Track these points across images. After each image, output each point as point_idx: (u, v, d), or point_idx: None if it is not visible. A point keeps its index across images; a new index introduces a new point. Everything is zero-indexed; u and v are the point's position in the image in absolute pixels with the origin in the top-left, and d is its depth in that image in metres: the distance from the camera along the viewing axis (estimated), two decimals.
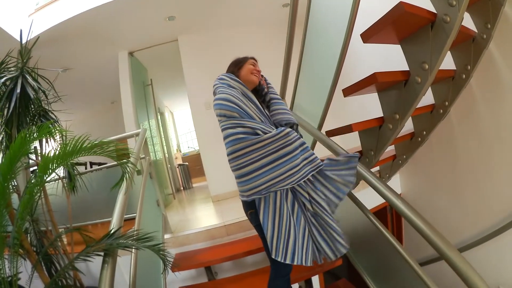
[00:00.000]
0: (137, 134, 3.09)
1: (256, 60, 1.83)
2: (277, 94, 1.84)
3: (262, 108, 1.67)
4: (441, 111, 2.35)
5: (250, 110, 1.55)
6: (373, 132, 2.04)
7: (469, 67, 2.16)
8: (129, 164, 1.98)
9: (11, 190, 1.57)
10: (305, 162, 1.54)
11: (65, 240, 2.49)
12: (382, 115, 1.96)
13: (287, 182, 1.49)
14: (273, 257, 1.49)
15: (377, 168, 3.04)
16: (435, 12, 1.57)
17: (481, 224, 2.60)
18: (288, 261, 1.48)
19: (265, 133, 1.49)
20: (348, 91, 1.99)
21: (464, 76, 2.19)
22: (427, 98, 2.28)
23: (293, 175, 1.49)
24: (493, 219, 2.49)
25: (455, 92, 2.28)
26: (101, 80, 5.96)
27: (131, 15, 4.26)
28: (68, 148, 1.61)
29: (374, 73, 1.69)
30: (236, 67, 1.78)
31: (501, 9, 1.99)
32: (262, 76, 1.84)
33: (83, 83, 5.97)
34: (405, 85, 1.76)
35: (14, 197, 1.93)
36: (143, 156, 3.07)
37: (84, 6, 3.92)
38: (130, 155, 2.49)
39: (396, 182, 3.48)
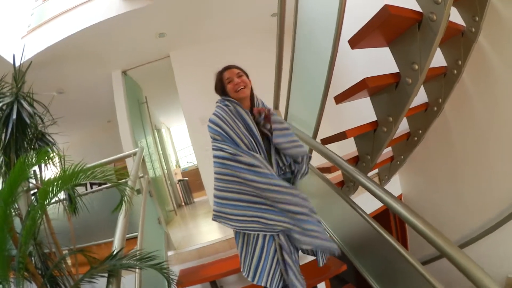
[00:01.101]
0: (134, 154, 3.10)
1: (231, 67, 1.71)
2: (279, 120, 1.71)
3: (253, 129, 1.60)
4: (435, 108, 2.37)
5: (234, 133, 1.54)
6: (368, 137, 2.05)
7: (460, 62, 2.17)
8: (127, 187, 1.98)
9: (13, 214, 1.58)
10: (285, 224, 1.49)
11: (69, 261, 2.47)
12: (376, 119, 1.98)
13: (255, 228, 1.50)
14: (242, 272, 1.55)
15: (376, 170, 3.05)
16: (421, 11, 1.58)
17: (484, 216, 2.59)
18: (252, 281, 1.50)
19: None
20: (340, 98, 2.00)
21: (455, 71, 2.21)
22: (421, 97, 2.29)
23: (266, 227, 1.50)
24: (495, 210, 2.49)
25: (448, 89, 2.29)
26: (96, 100, 5.99)
27: (121, 34, 4.30)
28: (67, 173, 1.62)
29: (364, 78, 1.70)
30: (221, 91, 1.72)
31: (488, 1, 2.00)
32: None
33: (78, 103, 5.99)
34: (396, 87, 1.78)
35: (17, 220, 1.95)
36: (142, 175, 3.06)
37: (74, 27, 3.97)
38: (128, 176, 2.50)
39: (396, 183, 3.47)
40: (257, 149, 1.57)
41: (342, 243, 2.07)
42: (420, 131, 2.50)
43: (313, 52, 2.10)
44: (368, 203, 1.91)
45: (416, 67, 1.64)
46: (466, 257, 1.12)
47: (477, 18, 2.05)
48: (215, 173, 1.53)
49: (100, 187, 3.61)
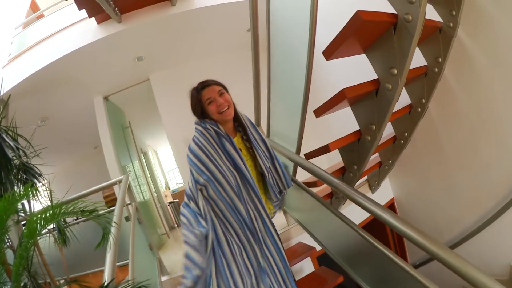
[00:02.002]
0: (119, 181, 3.00)
1: (210, 84, 1.52)
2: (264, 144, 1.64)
3: (235, 159, 1.47)
4: (419, 109, 2.33)
5: (214, 165, 1.43)
6: (352, 147, 1.99)
7: (440, 60, 2.12)
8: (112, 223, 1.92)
9: (5, 246, 1.62)
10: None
11: None
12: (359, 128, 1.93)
13: None
14: None
15: (365, 177, 3.00)
16: (396, 13, 1.53)
17: (480, 208, 2.56)
18: None
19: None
20: (320, 112, 1.92)
21: (436, 69, 2.16)
22: (403, 99, 2.27)
23: None
24: (491, 201, 2.45)
25: (430, 88, 2.25)
26: (81, 127, 5.82)
27: (100, 60, 4.24)
28: (55, 211, 1.58)
29: (342, 89, 1.64)
30: (200, 114, 1.54)
31: None
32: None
33: (63, 131, 5.86)
34: (377, 94, 1.72)
35: (9, 253, 1.94)
36: (129, 202, 2.98)
37: (54, 55, 3.90)
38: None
39: (387, 187, 3.43)
40: (239, 181, 1.45)
41: (336, 255, 1.99)
42: (406, 134, 2.46)
43: (289, 66, 2.06)
44: (360, 211, 1.85)
45: (395, 71, 1.59)
46: (457, 258, 1.07)
47: (454, 12, 2.00)
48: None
49: (89, 216, 3.49)
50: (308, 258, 2.61)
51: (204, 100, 1.50)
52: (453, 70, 2.30)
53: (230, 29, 4.70)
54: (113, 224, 1.91)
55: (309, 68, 1.74)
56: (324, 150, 1.93)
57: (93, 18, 3.84)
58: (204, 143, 1.46)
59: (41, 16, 4.93)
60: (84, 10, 3.59)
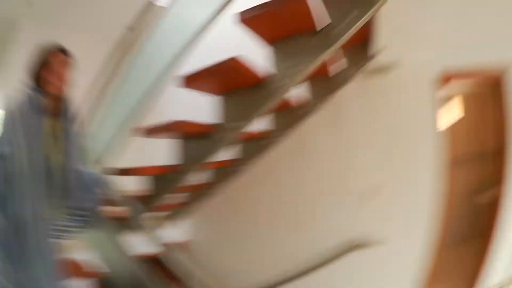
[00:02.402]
0: None
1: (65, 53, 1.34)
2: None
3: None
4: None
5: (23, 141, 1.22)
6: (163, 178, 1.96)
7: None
8: None
9: None
10: None
11: None
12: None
13: None
14: None
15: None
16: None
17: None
18: None
19: None
20: (152, 132, 1.88)
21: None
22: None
23: None
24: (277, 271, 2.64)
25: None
26: None
27: None
28: None
29: (178, 121, 1.68)
30: (35, 76, 1.32)
31: None
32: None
33: None
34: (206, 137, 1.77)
35: None
36: None
37: None
38: None
39: (186, 227, 3.41)
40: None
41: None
42: (218, 184, 2.60)
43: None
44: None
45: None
46: None
47: None
48: None
49: None
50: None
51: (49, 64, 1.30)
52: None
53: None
54: None
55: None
56: (134, 172, 1.86)
57: None
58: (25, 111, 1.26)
59: None
60: None
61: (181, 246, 3.08)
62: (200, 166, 1.80)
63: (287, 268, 2.60)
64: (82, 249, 2.52)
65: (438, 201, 2.24)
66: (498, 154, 2.34)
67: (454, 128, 2.41)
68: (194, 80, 1.67)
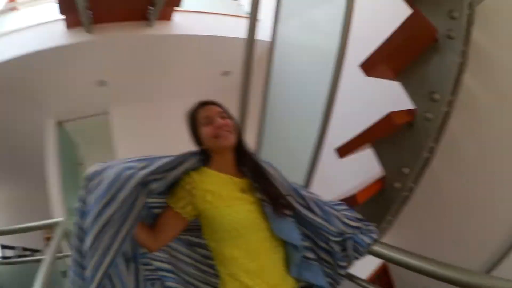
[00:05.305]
0: (56, 224, 2.38)
1: (209, 104, 1.19)
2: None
3: None
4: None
5: None
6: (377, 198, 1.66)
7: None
8: None
9: None
10: None
11: None
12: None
13: None
14: None
15: None
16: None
17: (486, 251, 2.28)
18: None
19: None
20: (344, 150, 1.58)
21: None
22: None
23: None
24: (495, 242, 2.23)
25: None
26: (27, 153, 5.04)
27: (60, 72, 3.73)
28: None
29: (389, 113, 1.36)
30: (195, 139, 1.18)
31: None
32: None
33: (4, 152, 5.00)
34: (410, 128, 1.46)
35: None
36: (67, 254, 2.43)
37: (14, 51, 3.34)
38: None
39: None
40: None
41: None
42: (413, 185, 2.22)
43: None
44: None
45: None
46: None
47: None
48: None
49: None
50: None
51: (199, 121, 1.15)
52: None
53: (206, 68, 4.46)
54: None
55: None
56: (349, 202, 1.56)
57: (63, 23, 3.39)
58: None
59: (16, 9, 4.34)
60: (56, 11, 3.18)
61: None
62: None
63: None
64: None
65: None
66: None
67: None
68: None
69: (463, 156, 2.28)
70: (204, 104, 1.18)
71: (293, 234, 1.10)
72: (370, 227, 1.21)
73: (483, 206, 2.28)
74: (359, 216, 1.22)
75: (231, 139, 1.10)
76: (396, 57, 1.39)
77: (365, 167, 1.76)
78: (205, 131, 1.11)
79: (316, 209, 1.18)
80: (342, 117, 2.40)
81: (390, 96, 1.57)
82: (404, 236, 2.87)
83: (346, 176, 2.37)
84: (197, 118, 1.16)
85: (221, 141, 1.09)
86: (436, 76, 1.36)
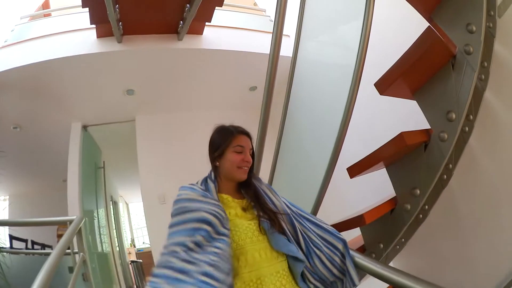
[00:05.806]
0: (71, 221, 2.56)
1: (246, 134, 1.25)
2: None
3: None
4: (445, 176, 2.05)
5: None
6: (385, 219, 1.61)
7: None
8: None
9: None
10: None
11: None
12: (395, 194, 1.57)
13: None
14: None
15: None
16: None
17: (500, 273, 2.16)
18: None
19: None
20: (355, 171, 1.57)
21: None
22: None
23: None
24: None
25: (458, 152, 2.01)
26: (52, 152, 5.29)
27: (89, 78, 3.89)
28: None
29: (401, 133, 1.33)
30: (216, 155, 1.21)
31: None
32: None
33: (32, 151, 5.27)
34: (426, 149, 1.43)
35: None
36: (77, 251, 2.64)
37: (46, 54, 3.51)
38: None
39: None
40: None
41: None
42: (427, 207, 2.14)
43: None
44: None
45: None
46: None
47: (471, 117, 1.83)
48: None
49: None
50: None
51: (231, 145, 1.19)
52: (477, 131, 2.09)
53: (233, 82, 4.52)
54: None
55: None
56: (356, 223, 1.53)
57: (94, 32, 3.56)
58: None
59: (48, 15, 4.71)
60: (87, 19, 3.33)
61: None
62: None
63: None
64: None
65: None
66: None
67: None
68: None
69: (481, 176, 2.19)
70: (244, 133, 1.24)
71: (290, 247, 1.11)
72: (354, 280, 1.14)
73: (499, 229, 2.14)
74: (349, 264, 1.16)
75: (245, 176, 1.19)
76: (412, 74, 1.37)
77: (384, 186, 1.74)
78: (234, 157, 1.17)
79: (302, 244, 1.17)
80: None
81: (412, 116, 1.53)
82: (415, 257, 2.77)
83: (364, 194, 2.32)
84: (231, 140, 1.19)
85: (239, 174, 1.18)
86: (453, 94, 1.32)
